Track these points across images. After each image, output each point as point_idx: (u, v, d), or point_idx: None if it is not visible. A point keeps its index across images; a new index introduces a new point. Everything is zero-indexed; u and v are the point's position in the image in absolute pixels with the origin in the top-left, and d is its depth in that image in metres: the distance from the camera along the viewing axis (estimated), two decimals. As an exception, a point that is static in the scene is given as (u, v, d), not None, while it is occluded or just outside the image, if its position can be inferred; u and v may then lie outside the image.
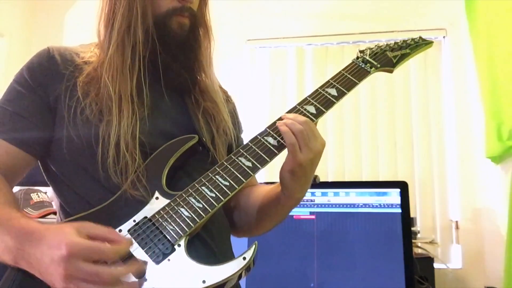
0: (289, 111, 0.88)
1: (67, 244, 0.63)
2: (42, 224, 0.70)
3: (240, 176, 0.80)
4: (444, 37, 2.51)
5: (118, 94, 0.84)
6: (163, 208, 0.78)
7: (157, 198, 0.80)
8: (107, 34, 0.88)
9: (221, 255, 0.86)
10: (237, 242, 0.98)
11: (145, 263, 0.72)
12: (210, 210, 0.77)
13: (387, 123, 2.50)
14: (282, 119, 0.85)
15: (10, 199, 0.78)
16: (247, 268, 0.72)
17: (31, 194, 1.92)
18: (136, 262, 0.70)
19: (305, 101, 0.89)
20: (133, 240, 0.74)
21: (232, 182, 0.80)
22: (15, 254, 0.69)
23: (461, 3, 2.41)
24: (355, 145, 2.51)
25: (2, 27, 2.72)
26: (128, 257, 0.71)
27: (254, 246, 0.74)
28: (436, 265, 1.92)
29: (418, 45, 1.05)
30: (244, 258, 0.73)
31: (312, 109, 0.88)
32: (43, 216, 1.82)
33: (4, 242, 0.70)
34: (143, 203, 0.79)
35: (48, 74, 0.86)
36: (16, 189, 2.05)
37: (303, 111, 0.87)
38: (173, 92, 0.93)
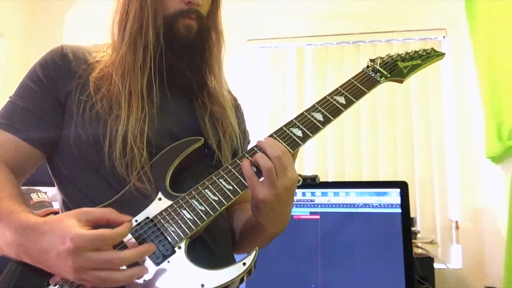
0: (296, 117, 0.87)
1: (72, 239, 0.63)
2: (40, 218, 0.71)
3: (243, 181, 0.79)
4: (444, 37, 2.52)
5: (128, 90, 0.85)
6: (165, 210, 0.78)
7: (160, 199, 0.79)
8: (120, 34, 0.89)
9: (222, 259, 0.86)
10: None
11: (144, 263, 0.72)
12: (212, 214, 0.77)
13: (387, 123, 2.50)
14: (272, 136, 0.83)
15: (15, 193, 0.78)
16: (248, 273, 0.72)
17: (31, 194, 1.92)
18: (142, 245, 0.70)
19: (313, 108, 0.88)
20: (135, 242, 0.74)
21: (235, 187, 0.79)
22: (16, 250, 0.70)
23: (461, 3, 2.41)
24: (355, 145, 2.51)
25: (2, 27, 2.72)
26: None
27: (254, 251, 0.73)
28: (436, 265, 1.92)
29: (429, 56, 1.04)
30: (244, 264, 0.72)
31: (319, 117, 0.87)
32: (43, 216, 1.82)
33: (5, 237, 0.70)
34: (146, 201, 0.79)
35: (61, 71, 0.87)
36: (16, 189, 2.04)
37: (310, 118, 0.86)
38: (181, 94, 0.93)
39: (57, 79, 0.86)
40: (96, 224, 0.69)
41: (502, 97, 2.07)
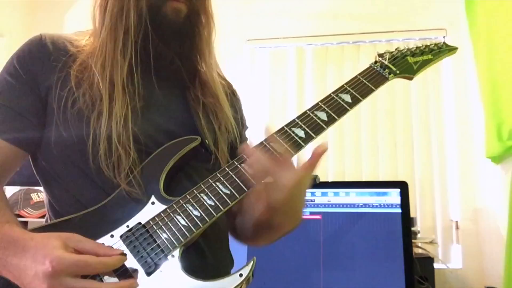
0: (299, 117, 0.82)
1: (52, 260, 0.60)
2: (26, 233, 0.67)
3: (242, 185, 0.75)
4: (444, 37, 2.51)
5: (109, 81, 0.79)
6: (159, 215, 0.73)
7: (153, 203, 0.75)
8: (100, 18, 0.84)
9: (217, 266, 0.82)
10: (237, 248, 0.95)
11: (135, 273, 0.68)
12: (208, 220, 0.72)
13: (387, 123, 2.50)
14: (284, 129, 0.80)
15: None
16: (246, 282, 0.69)
17: (31, 194, 1.93)
18: (128, 279, 0.66)
19: (316, 107, 0.83)
20: (126, 249, 0.70)
21: (233, 191, 0.74)
22: None
23: (461, 3, 2.40)
24: (355, 145, 2.51)
25: (2, 27, 2.72)
26: (121, 269, 0.67)
27: (252, 262, 0.70)
28: (436, 265, 1.91)
29: (441, 51, 0.98)
30: (241, 275, 0.69)
31: (323, 116, 0.82)
32: (43, 216, 1.82)
33: None
34: (138, 205, 0.75)
35: (39, 63, 0.81)
36: (16, 189, 2.05)
37: (314, 117, 0.81)
38: (171, 84, 0.89)
39: (36, 73, 0.81)
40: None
41: (502, 97, 2.06)
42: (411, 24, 2.49)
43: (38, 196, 1.96)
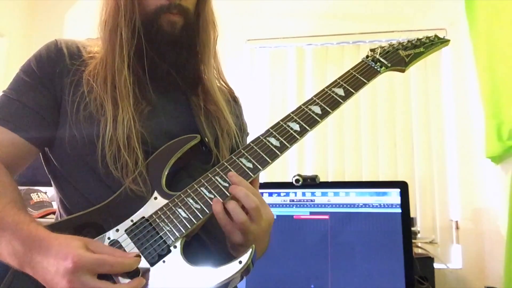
0: (294, 111, 0.86)
1: (73, 257, 0.64)
2: (51, 233, 0.70)
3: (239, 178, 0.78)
4: (444, 37, 2.51)
5: (111, 92, 0.83)
6: (161, 209, 0.77)
7: (155, 198, 0.79)
8: (102, 34, 0.88)
9: (219, 257, 0.84)
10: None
11: (147, 271, 0.71)
12: (208, 212, 0.76)
13: (387, 123, 2.50)
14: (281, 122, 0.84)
15: (16, 198, 0.77)
16: (245, 270, 0.71)
17: (31, 194, 1.92)
18: (141, 279, 0.69)
19: (310, 101, 0.87)
20: (130, 242, 0.74)
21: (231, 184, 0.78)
22: (21, 260, 0.69)
23: (461, 3, 2.40)
24: (355, 145, 2.51)
25: (2, 27, 2.72)
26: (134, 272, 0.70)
27: (250, 249, 0.72)
28: (436, 265, 1.91)
29: (433, 43, 1.02)
30: (240, 262, 0.71)
31: (317, 110, 0.86)
32: (43, 216, 1.82)
33: (12, 246, 0.69)
34: (142, 201, 0.78)
35: (55, 66, 0.86)
36: (16, 189, 2.04)
37: (308, 111, 0.85)
38: (174, 92, 0.92)
39: (53, 75, 0.85)
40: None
41: (502, 97, 2.06)
42: (411, 24, 2.49)
43: (38, 196, 1.96)
